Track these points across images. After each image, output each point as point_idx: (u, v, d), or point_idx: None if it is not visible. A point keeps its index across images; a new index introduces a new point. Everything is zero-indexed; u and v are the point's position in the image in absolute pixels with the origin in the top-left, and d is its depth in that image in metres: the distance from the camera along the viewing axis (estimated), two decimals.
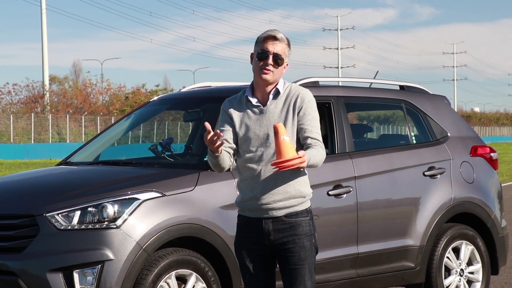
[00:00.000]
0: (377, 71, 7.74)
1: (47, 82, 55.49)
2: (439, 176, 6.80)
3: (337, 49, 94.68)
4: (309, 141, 4.29)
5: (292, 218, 4.32)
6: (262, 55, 4.31)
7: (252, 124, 4.34)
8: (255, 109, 4.36)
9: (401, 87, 7.24)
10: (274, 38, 4.32)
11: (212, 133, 4.13)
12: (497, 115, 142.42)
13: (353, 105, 6.86)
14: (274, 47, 4.31)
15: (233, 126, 4.38)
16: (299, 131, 4.33)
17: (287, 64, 4.38)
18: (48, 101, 54.03)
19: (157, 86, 63.96)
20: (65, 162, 6.69)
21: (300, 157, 4.08)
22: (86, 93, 60.30)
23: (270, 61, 4.30)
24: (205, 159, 6.19)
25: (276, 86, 4.36)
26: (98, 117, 51.88)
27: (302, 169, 4.22)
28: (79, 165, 6.48)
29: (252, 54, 4.38)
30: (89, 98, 59.70)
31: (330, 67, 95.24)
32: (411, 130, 7.00)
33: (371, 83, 7.21)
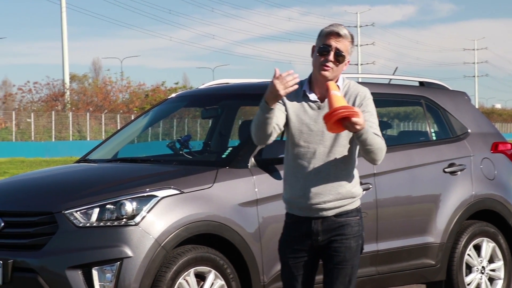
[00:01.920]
0: (396, 67, 7.69)
1: (67, 80, 55.79)
2: (459, 172, 6.74)
3: (357, 46, 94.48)
4: None
5: (342, 218, 4.25)
6: (324, 51, 4.18)
7: (307, 119, 4.22)
8: (313, 105, 4.24)
9: (421, 83, 7.18)
10: (338, 35, 4.18)
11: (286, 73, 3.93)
12: None
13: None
14: (336, 44, 4.18)
15: (286, 113, 4.23)
16: None
17: (348, 61, 4.26)
18: (68, 99, 54.32)
19: (177, 83, 64.02)
20: (83, 159, 6.70)
21: (353, 108, 3.93)
22: (106, 91, 60.52)
23: (331, 57, 4.18)
24: (224, 155, 6.18)
25: (336, 83, 4.24)
26: (118, 115, 52.07)
27: (359, 127, 3.94)
28: (98, 162, 6.48)
29: (313, 46, 4.26)
30: (109, 96, 59.91)
31: (350, 64, 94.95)
32: (430, 126, 6.95)
33: (390, 79, 7.17)
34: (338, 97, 4.00)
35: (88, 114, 50.82)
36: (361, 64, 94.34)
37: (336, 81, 4.25)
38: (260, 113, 4.07)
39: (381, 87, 6.84)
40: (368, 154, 4.13)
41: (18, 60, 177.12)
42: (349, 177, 4.22)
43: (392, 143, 7.00)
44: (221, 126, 6.90)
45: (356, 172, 4.30)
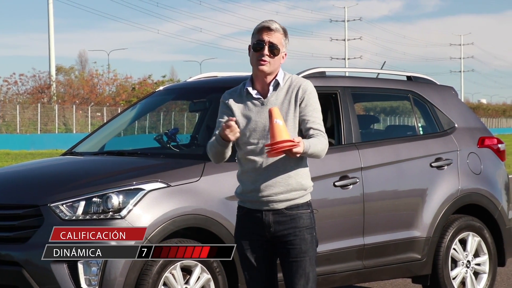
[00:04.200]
0: (384, 62, 7.69)
1: (53, 72, 55.53)
2: (446, 167, 6.76)
3: (344, 40, 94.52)
4: (311, 131, 4.25)
5: (293, 211, 4.30)
6: (258, 46, 4.29)
7: (253, 116, 4.30)
8: (256, 101, 4.33)
9: (409, 77, 7.19)
10: (269, 29, 4.29)
11: (233, 122, 4.14)
12: (504, 107, 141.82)
13: (360, 95, 6.81)
14: (269, 37, 4.28)
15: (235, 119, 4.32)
16: (301, 122, 4.29)
17: (285, 54, 4.34)
18: (54, 91, 54.08)
19: (164, 77, 63.87)
20: (70, 152, 6.67)
21: (292, 140, 4.04)
22: (92, 83, 60.29)
23: (266, 51, 4.27)
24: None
25: (276, 78, 4.33)
26: (105, 108, 51.90)
27: (298, 156, 4.12)
28: (84, 155, 6.46)
29: (249, 46, 4.36)
30: (96, 89, 59.69)
31: (337, 58, 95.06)
32: (418, 121, 6.96)
33: (378, 73, 7.17)
34: (280, 128, 4.06)
35: (74, 106, 50.61)
36: (348, 59, 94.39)
37: (276, 75, 4.33)
38: (218, 146, 4.25)
39: (369, 81, 6.85)
40: (314, 159, 4.28)
41: (3, 52, 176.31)
42: (298, 169, 4.28)
43: (380, 138, 7.02)
44: (209, 119, 6.88)
45: (307, 164, 4.34)
